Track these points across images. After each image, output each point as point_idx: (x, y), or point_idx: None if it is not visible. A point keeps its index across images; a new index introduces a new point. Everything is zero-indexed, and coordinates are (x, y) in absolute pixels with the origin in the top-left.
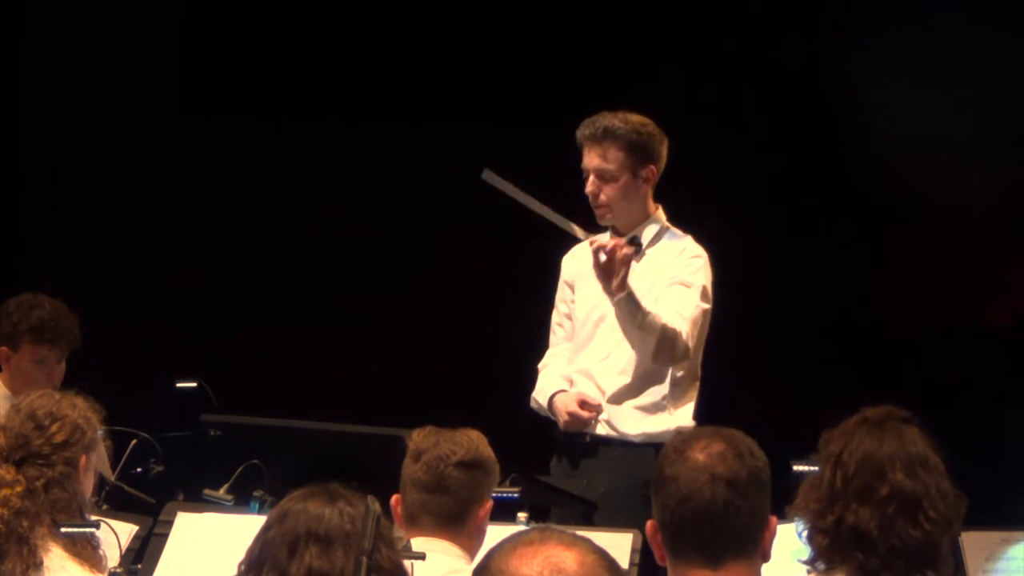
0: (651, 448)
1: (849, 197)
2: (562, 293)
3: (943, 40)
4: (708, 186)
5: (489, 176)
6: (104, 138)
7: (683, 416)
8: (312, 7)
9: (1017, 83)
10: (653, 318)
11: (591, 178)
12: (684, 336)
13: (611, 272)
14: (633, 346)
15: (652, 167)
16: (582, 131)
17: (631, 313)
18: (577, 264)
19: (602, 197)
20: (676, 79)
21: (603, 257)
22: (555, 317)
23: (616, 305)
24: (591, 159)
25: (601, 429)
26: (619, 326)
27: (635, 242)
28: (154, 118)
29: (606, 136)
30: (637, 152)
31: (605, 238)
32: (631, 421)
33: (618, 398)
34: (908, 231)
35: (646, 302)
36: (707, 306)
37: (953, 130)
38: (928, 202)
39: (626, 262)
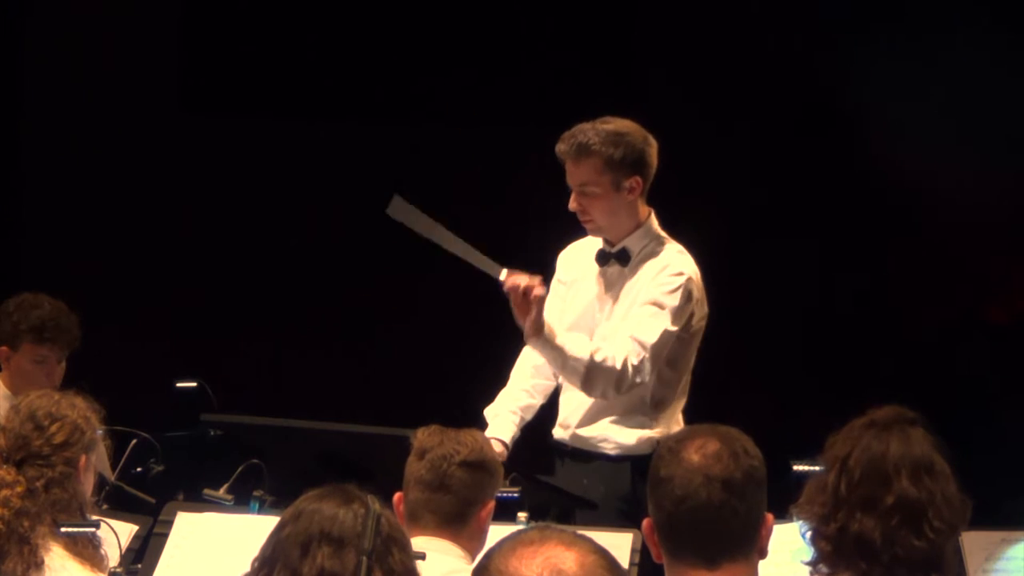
0: (627, 462)
1: (850, 196)
2: (556, 291)
3: (946, 39)
4: (707, 185)
5: (396, 208)
6: (104, 138)
7: (662, 429)
8: (311, 7)
9: (1019, 82)
10: (573, 360)
11: (573, 195)
12: (628, 365)
13: (525, 311)
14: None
15: (636, 177)
16: (559, 147)
17: (551, 356)
18: (572, 265)
19: (586, 215)
20: (675, 77)
21: (519, 296)
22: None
23: (535, 348)
24: (571, 177)
25: (577, 442)
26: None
27: (623, 255)
28: (154, 118)
29: (582, 153)
30: (617, 166)
31: (590, 248)
32: (606, 434)
33: (594, 411)
34: (908, 231)
35: (626, 320)
36: (677, 327)
37: (954, 129)
38: (929, 202)
39: (539, 303)
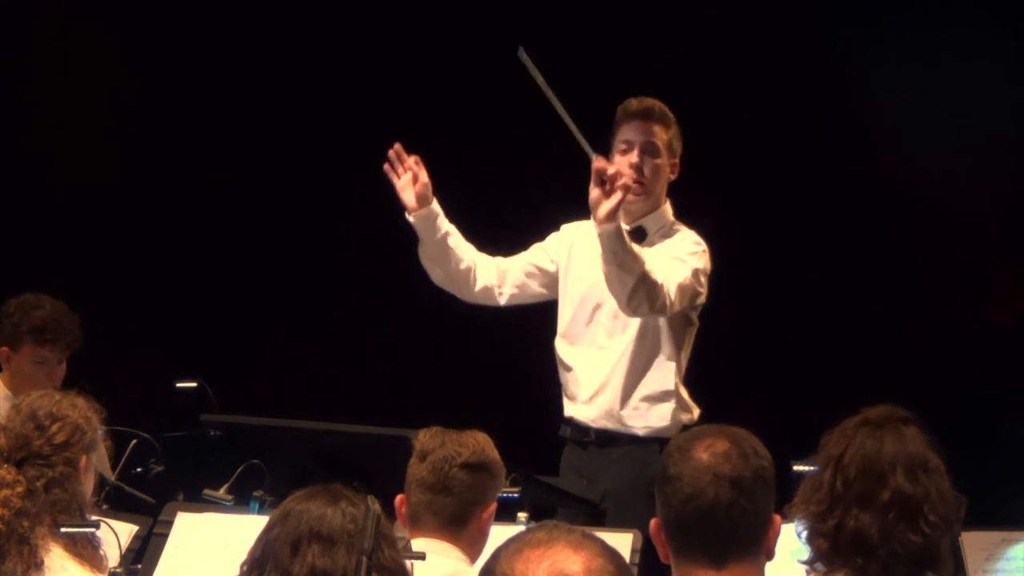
0: (656, 443)
1: (850, 196)
2: (548, 243)
3: (946, 39)
4: (708, 184)
5: (523, 56)
6: (105, 139)
7: (688, 406)
8: (312, 7)
9: (1019, 83)
10: (634, 261)
11: (636, 150)
12: (666, 291)
13: (605, 196)
14: (609, 285)
15: (677, 161)
16: (631, 106)
17: (614, 249)
18: (575, 237)
19: (645, 170)
20: (677, 78)
21: (603, 180)
22: (533, 249)
23: (601, 236)
24: (638, 134)
25: (608, 424)
26: (600, 261)
27: (639, 231)
28: (154, 118)
29: (663, 120)
30: (675, 144)
31: (591, 228)
32: (637, 414)
33: (625, 389)
34: (909, 230)
35: None
36: (700, 289)
37: (954, 129)
38: (929, 201)
39: (626, 191)
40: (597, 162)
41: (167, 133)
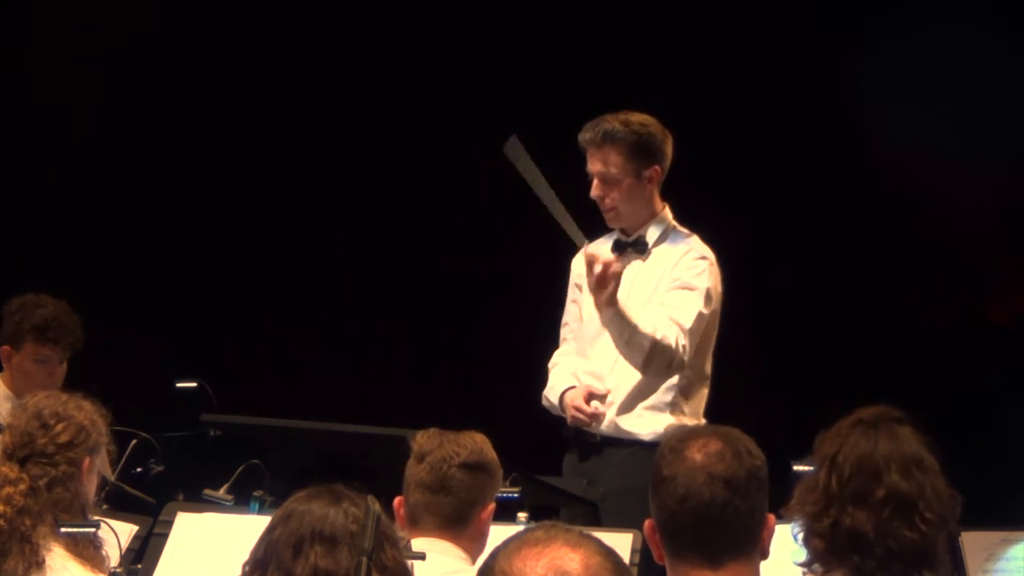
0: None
1: (850, 197)
2: (573, 293)
3: (946, 41)
4: (708, 186)
5: (511, 147)
6: (105, 140)
7: (693, 416)
8: (312, 8)
9: (1018, 83)
10: (641, 336)
11: (595, 182)
12: (679, 346)
13: (603, 284)
14: (625, 359)
15: (656, 167)
16: (584, 136)
17: (619, 329)
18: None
19: (607, 201)
20: (676, 80)
21: (597, 268)
22: (566, 316)
23: (604, 322)
24: (594, 164)
25: (611, 430)
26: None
27: (640, 243)
28: (154, 118)
29: (607, 141)
30: (639, 154)
31: (605, 249)
32: (641, 421)
33: (628, 400)
34: (908, 231)
35: (651, 304)
36: (709, 310)
37: (954, 130)
38: (928, 202)
39: (615, 278)
40: (586, 255)
41: (167, 133)
